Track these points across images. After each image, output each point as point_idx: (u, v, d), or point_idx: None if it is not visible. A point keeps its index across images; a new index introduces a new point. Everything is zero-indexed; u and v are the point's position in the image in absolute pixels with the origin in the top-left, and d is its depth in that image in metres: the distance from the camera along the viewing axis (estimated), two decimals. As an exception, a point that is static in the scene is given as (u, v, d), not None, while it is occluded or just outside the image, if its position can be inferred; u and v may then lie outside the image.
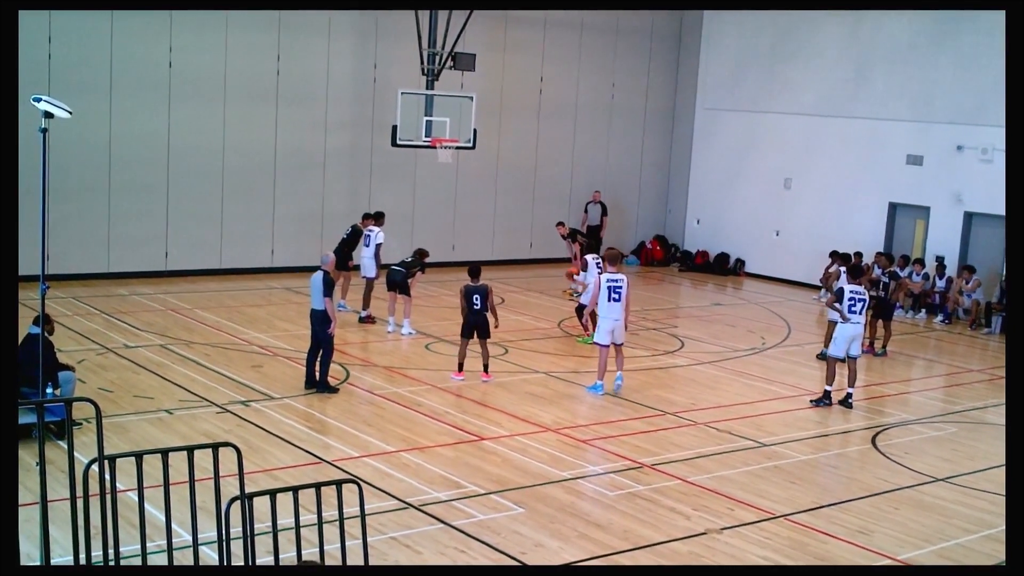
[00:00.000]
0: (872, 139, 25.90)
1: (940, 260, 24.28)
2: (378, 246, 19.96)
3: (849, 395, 15.94)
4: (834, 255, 23.73)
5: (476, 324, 16.09)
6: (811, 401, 16.00)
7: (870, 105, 25.92)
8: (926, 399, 17.19)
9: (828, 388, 15.95)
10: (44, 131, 8.91)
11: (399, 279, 18.96)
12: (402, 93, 23.39)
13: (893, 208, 25.81)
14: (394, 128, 23.31)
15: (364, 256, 20.11)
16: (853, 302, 15.91)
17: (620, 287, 15.70)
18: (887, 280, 19.88)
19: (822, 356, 19.05)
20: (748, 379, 17.42)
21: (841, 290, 16.20)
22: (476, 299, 16.03)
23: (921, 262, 24.23)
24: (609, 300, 15.67)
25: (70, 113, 9.09)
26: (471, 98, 24.10)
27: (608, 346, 15.80)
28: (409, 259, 19.39)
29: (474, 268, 16.56)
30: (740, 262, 28.91)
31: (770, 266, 27.94)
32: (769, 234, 28.18)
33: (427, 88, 24.09)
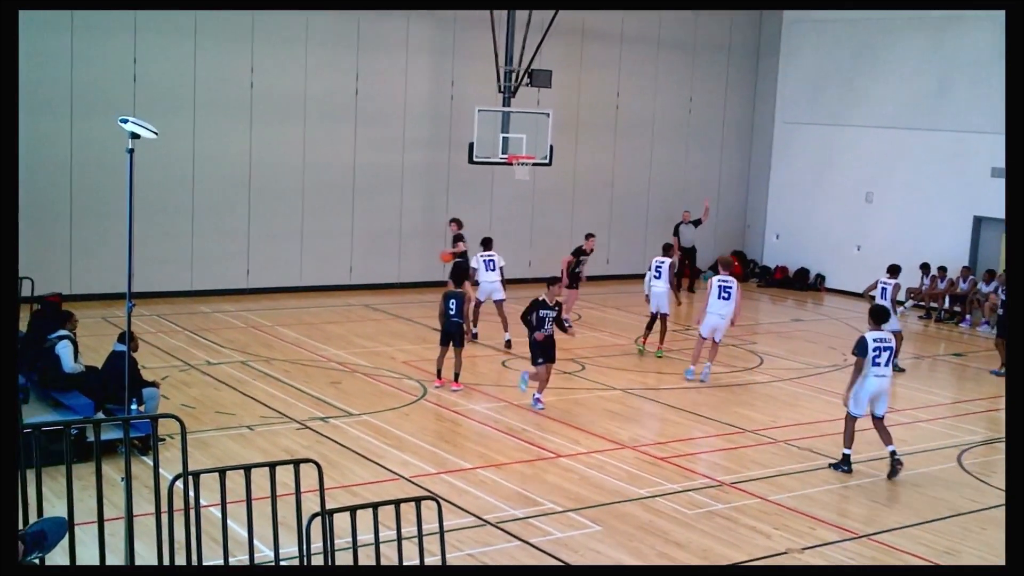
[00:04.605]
0: (956, 152, 25.44)
1: (1027, 275, 23.70)
2: (502, 268, 20.13)
3: (892, 454, 13.24)
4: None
5: (450, 331, 16.15)
6: (831, 465, 13.48)
7: (953, 117, 25.47)
8: (1014, 417, 16.78)
9: (846, 451, 13.36)
10: (130, 152, 9.05)
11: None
12: (479, 110, 23.51)
13: (978, 222, 25.31)
14: (471, 145, 23.44)
15: (496, 282, 19.91)
16: (878, 352, 13.11)
17: (730, 287, 17.37)
18: (1004, 297, 19.36)
19: (898, 369, 18.73)
20: (829, 396, 17.15)
21: (862, 340, 13.16)
22: (452, 304, 16.10)
23: (1007, 277, 23.73)
24: (719, 298, 17.35)
25: (156, 134, 9.23)
26: (547, 115, 24.14)
27: (706, 339, 17.60)
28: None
29: (458, 277, 17.35)
30: (820, 277, 28.54)
31: (851, 281, 27.46)
32: (850, 249, 27.79)
33: (503, 105, 24.18)
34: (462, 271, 18.31)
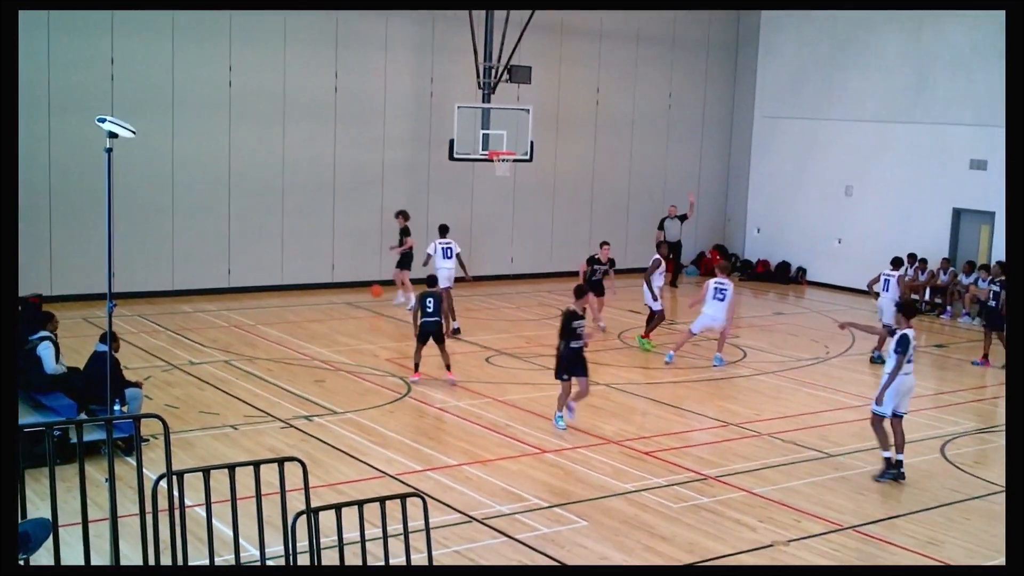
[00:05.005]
0: (935, 144, 25.53)
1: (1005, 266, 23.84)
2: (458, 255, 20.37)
3: (899, 463, 12.91)
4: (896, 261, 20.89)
5: (428, 331, 16.17)
6: (874, 478, 12.93)
7: (932, 110, 25.57)
8: (995, 407, 16.88)
9: (886, 455, 12.95)
10: (109, 151, 9.00)
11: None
12: (459, 107, 23.50)
13: (957, 214, 25.42)
14: (451, 142, 23.43)
15: (453, 269, 20.13)
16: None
17: (725, 289, 18.21)
18: (998, 289, 19.36)
19: (881, 360, 18.76)
20: (812, 389, 17.23)
21: (905, 337, 12.65)
22: (429, 303, 16.11)
23: (988, 268, 23.84)
24: (713, 298, 18.26)
25: (134, 133, 9.18)
26: (527, 111, 24.14)
27: (695, 333, 18.62)
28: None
29: (432, 278, 17.49)
30: (801, 271, 28.63)
31: (832, 274, 27.63)
32: (831, 242, 27.88)
33: (484, 102, 24.16)
34: (408, 265, 18.31)
